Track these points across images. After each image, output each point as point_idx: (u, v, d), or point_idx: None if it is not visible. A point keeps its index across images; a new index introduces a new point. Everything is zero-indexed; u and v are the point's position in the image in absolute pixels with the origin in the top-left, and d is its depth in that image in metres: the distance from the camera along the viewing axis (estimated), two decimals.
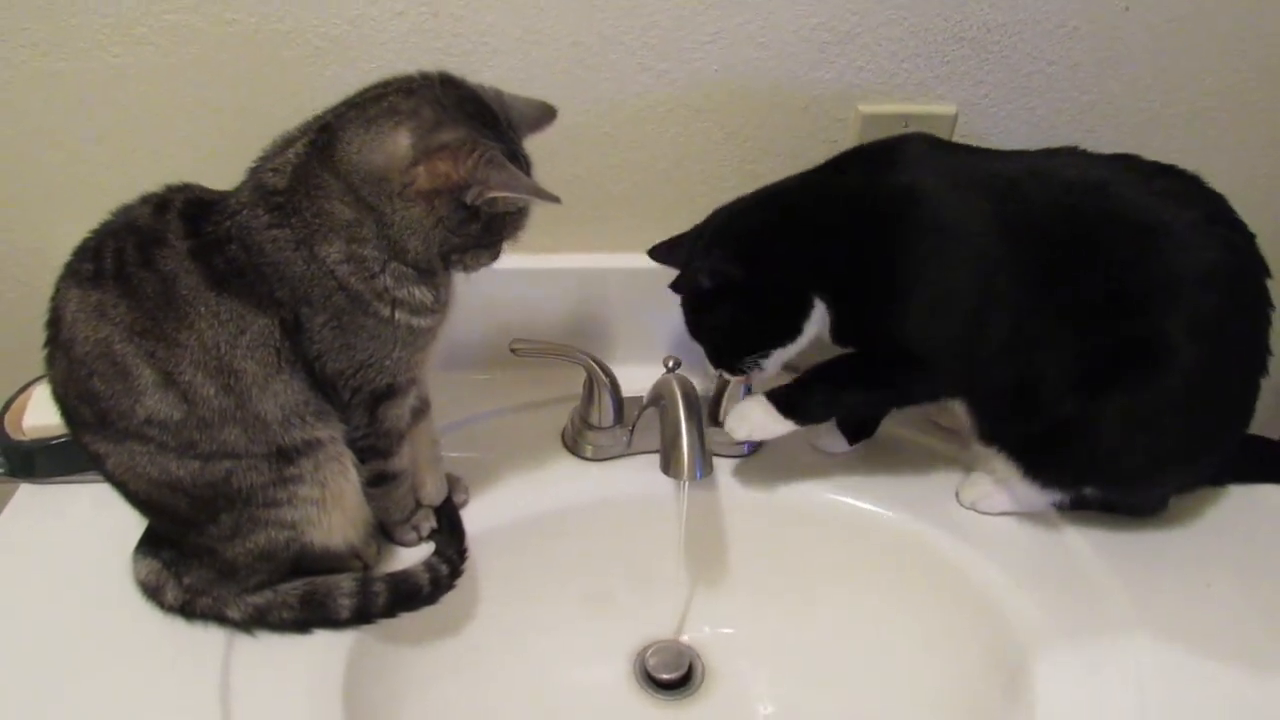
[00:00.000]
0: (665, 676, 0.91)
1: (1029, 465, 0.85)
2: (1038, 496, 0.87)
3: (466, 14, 0.86)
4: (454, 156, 0.65)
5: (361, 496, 0.77)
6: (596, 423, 0.94)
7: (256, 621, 0.75)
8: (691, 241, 0.86)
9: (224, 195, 0.71)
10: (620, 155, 0.96)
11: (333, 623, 0.76)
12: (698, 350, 0.89)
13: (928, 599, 0.88)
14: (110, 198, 0.72)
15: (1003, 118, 0.97)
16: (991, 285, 0.78)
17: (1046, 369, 0.80)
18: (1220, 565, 0.86)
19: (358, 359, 0.71)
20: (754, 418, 0.87)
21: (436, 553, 0.83)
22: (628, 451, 0.95)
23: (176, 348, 0.67)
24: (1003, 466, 0.87)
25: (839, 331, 0.83)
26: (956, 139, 0.96)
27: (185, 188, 0.73)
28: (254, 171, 0.70)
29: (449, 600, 0.80)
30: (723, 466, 0.94)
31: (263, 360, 0.68)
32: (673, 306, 0.88)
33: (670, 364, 0.89)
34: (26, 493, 0.88)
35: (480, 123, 0.68)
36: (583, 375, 0.93)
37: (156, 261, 0.67)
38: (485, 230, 0.70)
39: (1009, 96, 0.96)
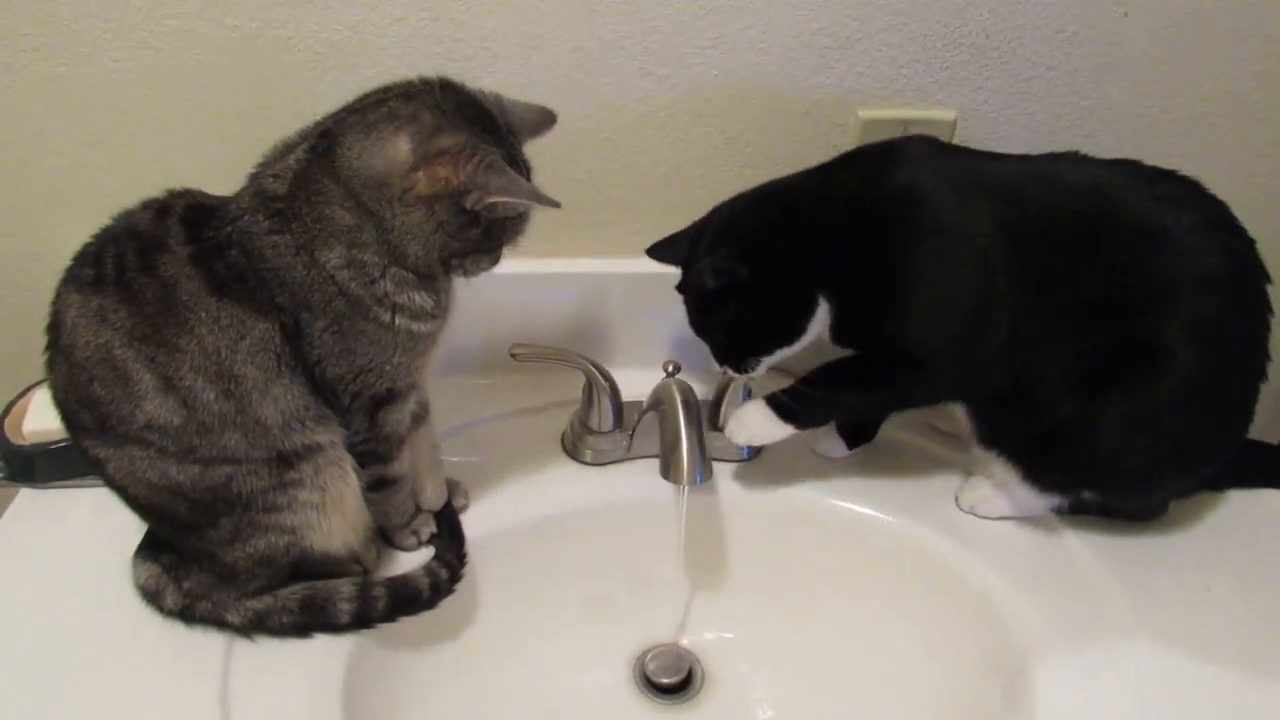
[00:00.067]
0: (665, 680, 0.91)
1: (1028, 468, 0.85)
2: (1037, 500, 0.87)
3: (467, 19, 0.87)
4: (454, 161, 0.65)
5: (361, 501, 0.77)
6: (596, 427, 0.94)
7: (256, 626, 0.75)
8: (692, 239, 0.86)
9: (225, 201, 0.71)
10: (620, 160, 0.96)
11: (332, 627, 0.76)
12: (697, 354, 0.90)
13: (927, 603, 0.88)
14: (111, 203, 0.72)
15: (1002, 123, 0.97)
16: (991, 287, 0.78)
17: (1045, 371, 0.80)
18: (1220, 569, 0.86)
19: (358, 364, 0.71)
20: (753, 423, 0.87)
21: (436, 557, 0.83)
22: (627, 456, 0.95)
23: (177, 353, 0.67)
24: (1002, 470, 0.87)
25: (839, 331, 0.83)
26: (956, 144, 0.96)
27: (186, 193, 0.73)
28: (254, 177, 0.71)
29: (449, 605, 0.80)
30: (722, 471, 0.94)
31: (263, 365, 0.68)
32: (672, 311, 0.88)
33: (670, 368, 0.90)
34: (26, 497, 0.88)
35: (480, 128, 0.68)
36: (582, 380, 0.93)
37: (157, 267, 0.68)
38: (485, 235, 0.70)
39: (1008, 102, 0.96)
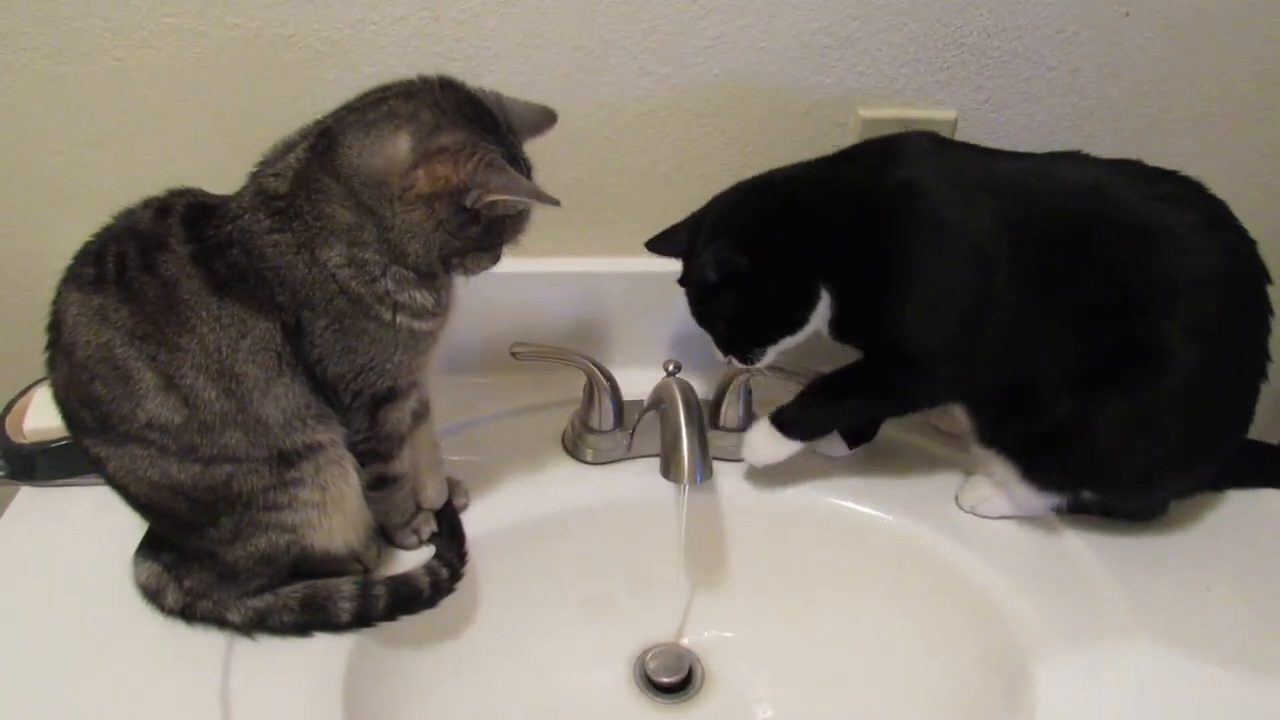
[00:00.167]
0: (665, 680, 0.91)
1: (1028, 468, 0.85)
2: (1037, 500, 0.87)
3: (468, 19, 0.87)
4: (453, 160, 0.65)
5: (362, 500, 0.77)
6: (597, 426, 0.94)
7: (257, 625, 0.75)
8: (691, 230, 0.86)
9: (225, 200, 0.71)
10: (621, 159, 0.96)
11: (333, 626, 0.76)
12: (698, 353, 0.90)
13: (927, 602, 0.88)
14: (111, 201, 0.72)
15: (1002, 123, 0.97)
16: (990, 284, 0.78)
17: (1045, 370, 0.80)
18: (1220, 569, 0.86)
19: (359, 362, 0.71)
20: (760, 445, 0.89)
21: (437, 556, 0.83)
22: (628, 455, 0.95)
23: (178, 352, 0.67)
24: (1002, 469, 0.87)
25: (839, 325, 0.83)
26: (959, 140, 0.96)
27: (186, 192, 0.73)
28: (255, 176, 0.71)
29: (449, 603, 0.80)
30: (723, 470, 0.94)
31: (264, 364, 0.68)
32: (673, 310, 0.88)
33: (670, 367, 0.90)
34: (27, 495, 0.88)
35: (480, 126, 0.68)
36: (583, 379, 0.93)
37: (158, 266, 0.68)
38: (485, 233, 0.70)
39: (1009, 102, 0.96)
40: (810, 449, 0.95)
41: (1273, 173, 1.03)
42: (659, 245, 0.89)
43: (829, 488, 0.93)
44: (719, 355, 0.88)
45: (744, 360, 0.86)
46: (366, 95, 0.69)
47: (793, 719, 0.91)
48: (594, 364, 0.91)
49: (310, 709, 0.71)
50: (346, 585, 0.78)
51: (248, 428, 0.69)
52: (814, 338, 0.85)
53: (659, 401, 0.88)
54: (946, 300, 0.80)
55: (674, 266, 0.87)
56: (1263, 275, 0.80)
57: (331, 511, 0.75)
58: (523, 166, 0.71)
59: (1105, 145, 0.94)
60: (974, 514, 0.90)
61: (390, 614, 0.78)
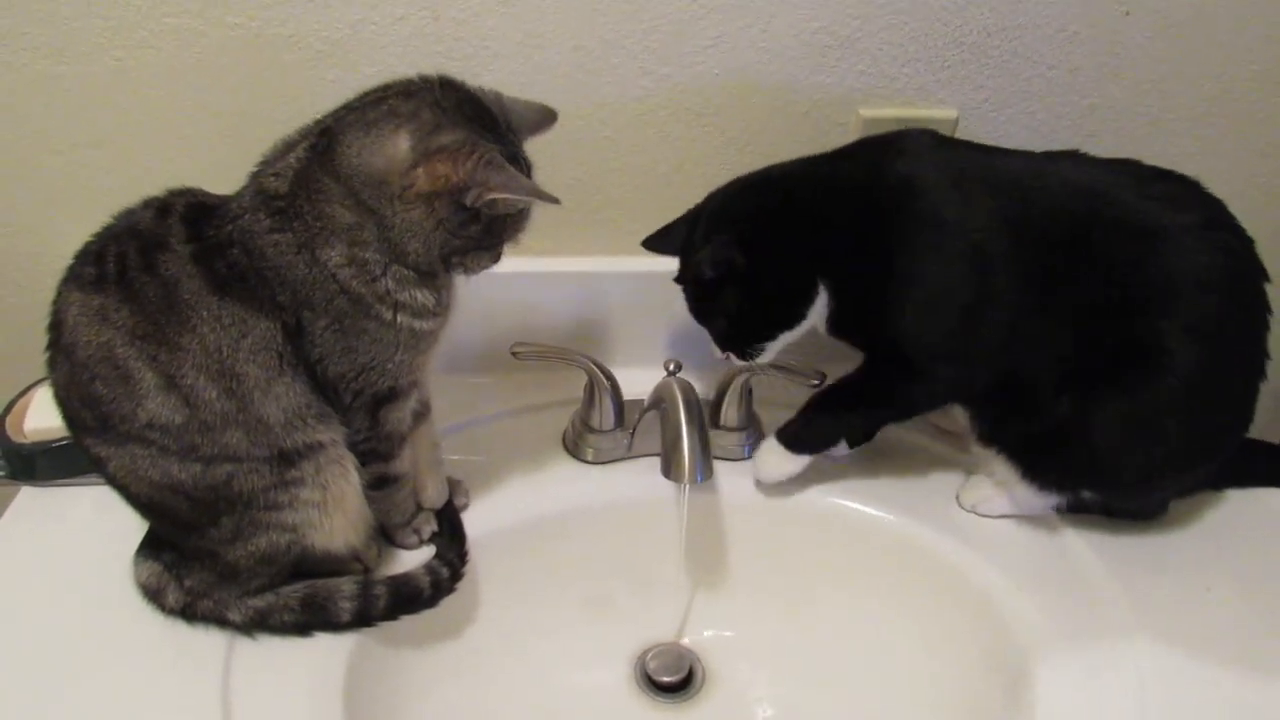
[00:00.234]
0: (666, 679, 0.91)
1: (1027, 467, 0.85)
2: (1037, 499, 0.87)
3: (468, 18, 0.87)
4: (453, 158, 0.65)
5: (363, 499, 0.77)
6: (597, 426, 0.94)
7: (257, 624, 0.76)
8: (688, 225, 0.86)
9: (225, 199, 0.71)
10: (621, 159, 0.96)
11: (333, 626, 0.76)
12: (699, 353, 0.90)
13: (928, 602, 0.88)
14: (111, 201, 0.72)
15: (1003, 122, 0.97)
16: (989, 283, 0.78)
17: (1043, 370, 0.80)
18: (1220, 569, 0.86)
19: (359, 362, 0.71)
20: (771, 464, 0.90)
21: (437, 556, 0.83)
22: (629, 455, 0.95)
23: (178, 351, 0.67)
24: (1002, 469, 0.87)
25: (837, 322, 0.84)
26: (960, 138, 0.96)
27: (187, 192, 0.73)
28: (255, 176, 0.71)
29: (449, 603, 0.80)
30: (723, 470, 0.94)
31: (264, 364, 0.69)
32: (673, 309, 0.88)
33: (671, 367, 0.89)
34: (28, 495, 0.88)
35: (480, 125, 0.68)
36: (583, 378, 0.93)
37: (158, 266, 0.68)
38: (486, 232, 0.70)
39: (1009, 101, 0.96)
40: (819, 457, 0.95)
41: (1272, 172, 1.03)
42: (656, 243, 0.89)
43: (829, 487, 0.93)
44: (716, 352, 0.88)
45: (742, 356, 0.86)
46: (366, 95, 0.69)
47: (793, 718, 0.91)
48: (595, 363, 0.91)
49: (311, 708, 0.71)
50: (347, 585, 0.78)
51: (248, 427, 0.69)
52: (812, 335, 0.85)
53: (659, 401, 0.88)
54: (945, 298, 0.80)
55: (674, 265, 0.87)
56: (1261, 274, 0.80)
57: (332, 511, 0.75)
58: (523, 165, 0.71)
59: (1106, 144, 0.95)
60: (974, 513, 0.90)
61: (391, 614, 0.78)
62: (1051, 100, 0.96)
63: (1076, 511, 0.89)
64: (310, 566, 0.78)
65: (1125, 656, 0.77)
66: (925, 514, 0.91)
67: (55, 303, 0.70)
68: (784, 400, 0.95)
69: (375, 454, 0.77)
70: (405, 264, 0.69)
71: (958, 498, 0.92)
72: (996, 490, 0.89)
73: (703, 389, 0.94)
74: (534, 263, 0.95)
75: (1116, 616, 0.80)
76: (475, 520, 0.88)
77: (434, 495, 0.87)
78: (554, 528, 0.91)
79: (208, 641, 0.75)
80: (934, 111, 0.95)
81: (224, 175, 0.72)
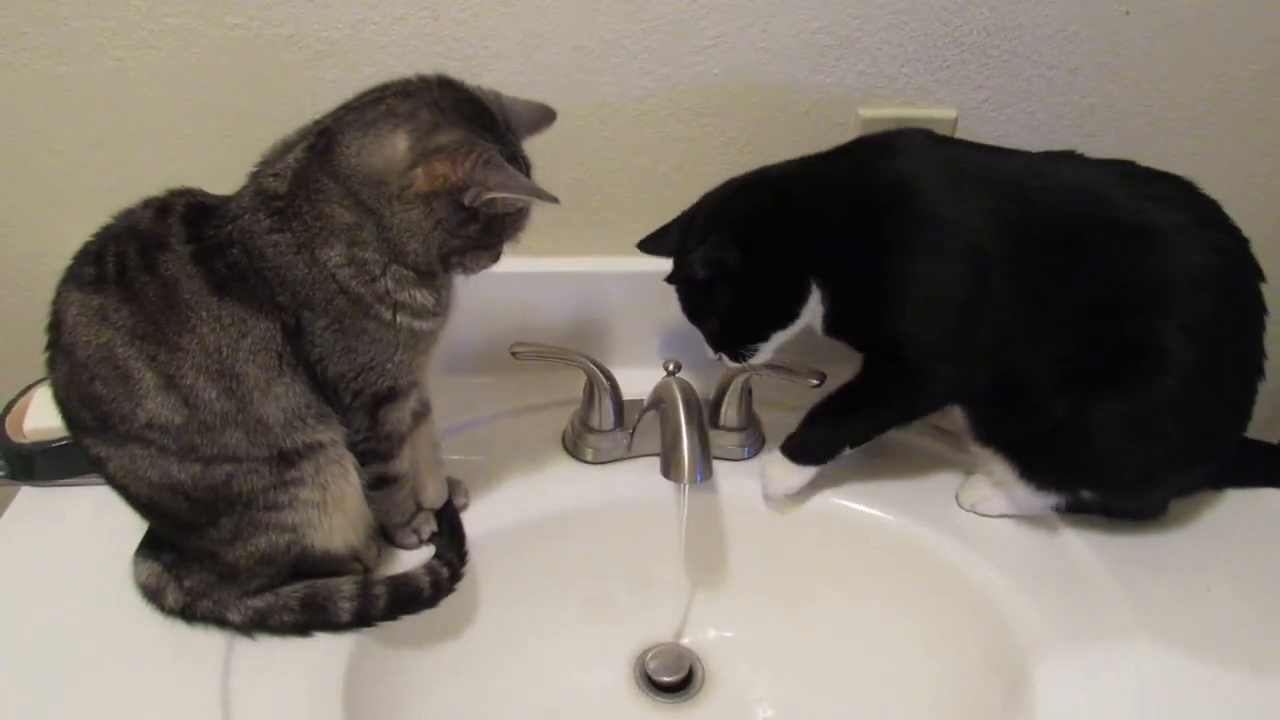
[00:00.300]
0: (665, 679, 0.91)
1: (1025, 467, 0.85)
2: (1035, 499, 0.87)
3: (467, 18, 0.87)
4: (451, 158, 0.65)
5: (362, 499, 0.77)
6: (597, 426, 0.94)
7: (257, 624, 0.76)
8: (682, 228, 0.86)
9: (225, 200, 0.71)
10: (621, 159, 0.96)
11: (333, 626, 0.76)
12: (698, 353, 0.90)
13: (927, 602, 0.88)
14: (111, 201, 0.72)
15: (1003, 122, 0.97)
16: (985, 282, 0.78)
17: (1041, 370, 0.80)
18: (1220, 569, 0.86)
19: (359, 362, 0.71)
20: (777, 477, 0.90)
21: (437, 556, 0.83)
22: (628, 455, 0.95)
23: (178, 351, 0.67)
24: (1000, 469, 0.87)
25: (833, 322, 0.83)
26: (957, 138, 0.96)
27: (186, 192, 0.73)
28: (254, 176, 0.71)
29: (449, 603, 0.80)
30: (723, 470, 0.94)
31: (264, 364, 0.69)
32: (673, 309, 0.88)
33: (671, 367, 0.89)
34: (27, 495, 0.88)
35: (478, 125, 0.68)
36: (583, 378, 0.93)
37: (158, 266, 0.68)
38: (485, 232, 0.70)
39: (1009, 100, 0.96)
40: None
41: (1271, 172, 1.03)
42: (650, 245, 0.89)
43: (829, 487, 0.93)
44: (709, 353, 0.88)
45: (734, 357, 0.86)
46: (365, 95, 0.69)
47: (793, 719, 0.91)
48: (594, 364, 0.91)
49: (310, 708, 0.71)
50: (347, 585, 0.78)
51: (248, 427, 0.69)
52: (811, 335, 0.85)
53: (659, 401, 0.88)
54: (942, 298, 0.80)
55: (669, 263, 0.87)
56: (1256, 274, 0.80)
57: (332, 511, 0.75)
58: (522, 165, 0.71)
59: (1105, 144, 0.95)
60: (974, 513, 0.90)
61: (390, 614, 0.78)
62: (1051, 100, 0.96)
63: (1076, 511, 0.88)
64: (310, 567, 0.78)
65: (1125, 656, 0.77)
66: (925, 514, 0.90)
67: (55, 303, 0.70)
68: (784, 400, 0.95)
69: (375, 454, 0.77)
70: (404, 264, 0.69)
71: (957, 497, 0.92)
72: (995, 490, 0.89)
73: (702, 389, 0.94)
74: (534, 263, 0.95)
75: (1116, 616, 0.80)
76: (475, 520, 0.88)
77: (434, 495, 0.87)
78: (554, 528, 0.91)
79: (207, 642, 0.75)
80: (933, 111, 0.95)
81: (224, 175, 0.72)
